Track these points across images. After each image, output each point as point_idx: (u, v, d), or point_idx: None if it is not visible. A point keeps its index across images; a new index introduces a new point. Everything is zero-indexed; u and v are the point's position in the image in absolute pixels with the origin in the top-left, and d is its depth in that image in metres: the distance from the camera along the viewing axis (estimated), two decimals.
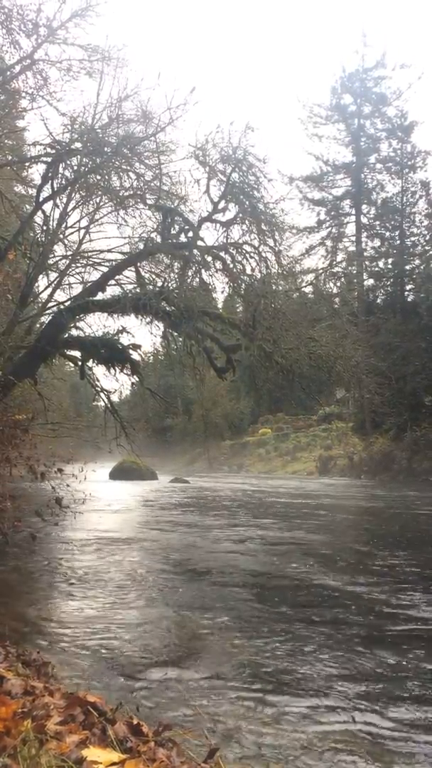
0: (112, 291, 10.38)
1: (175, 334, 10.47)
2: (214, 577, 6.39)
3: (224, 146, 9.29)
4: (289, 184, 37.08)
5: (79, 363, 10.06)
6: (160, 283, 9.95)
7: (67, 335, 9.85)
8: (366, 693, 3.32)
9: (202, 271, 9.64)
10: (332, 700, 3.20)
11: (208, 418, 52.40)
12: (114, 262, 10.98)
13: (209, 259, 9.67)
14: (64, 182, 9.33)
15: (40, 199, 9.43)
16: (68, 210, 11.20)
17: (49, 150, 9.19)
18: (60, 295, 11.98)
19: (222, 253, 9.63)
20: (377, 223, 36.22)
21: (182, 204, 9.91)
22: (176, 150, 9.77)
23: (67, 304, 10.47)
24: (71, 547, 8.08)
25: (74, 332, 10.13)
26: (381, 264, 35.64)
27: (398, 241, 34.39)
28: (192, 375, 11.42)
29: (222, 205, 9.61)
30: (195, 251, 9.58)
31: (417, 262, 34.06)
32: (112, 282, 10.37)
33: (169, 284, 9.64)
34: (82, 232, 12.20)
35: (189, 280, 9.48)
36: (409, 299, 33.55)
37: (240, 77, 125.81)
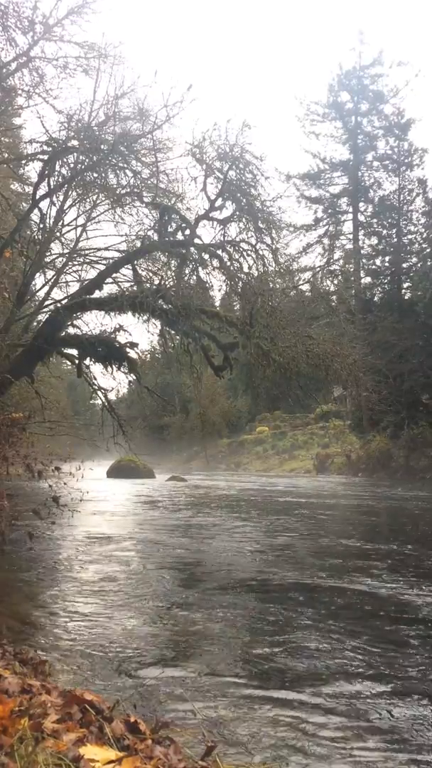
0: (109, 289, 10.39)
1: (173, 332, 10.47)
2: (213, 576, 6.40)
3: (221, 144, 9.28)
4: (286, 182, 37.07)
5: (77, 361, 10.05)
6: (157, 281, 9.95)
7: (64, 333, 9.83)
8: (366, 691, 3.32)
9: (199, 268, 9.64)
10: (331, 699, 3.20)
11: (206, 417, 52.23)
12: (111, 260, 10.99)
13: (206, 256, 9.67)
14: (60, 180, 9.32)
15: (37, 196, 9.41)
16: (65, 208, 11.21)
17: (45, 147, 9.18)
18: (57, 293, 12.02)
19: (219, 251, 9.62)
20: (374, 220, 36.17)
21: (179, 202, 9.92)
22: (173, 148, 9.78)
23: (64, 302, 10.47)
24: (68, 546, 8.08)
25: (71, 330, 10.12)
26: (378, 262, 35.59)
27: (395, 239, 34.35)
28: (189, 373, 11.41)
29: (219, 202, 9.60)
30: (192, 249, 9.57)
31: (414, 259, 34.03)
32: (109, 280, 10.37)
33: (166, 282, 9.63)
34: (79, 230, 12.23)
35: (186, 278, 9.49)
36: (406, 297, 33.52)
37: (237, 75, 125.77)
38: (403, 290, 34.17)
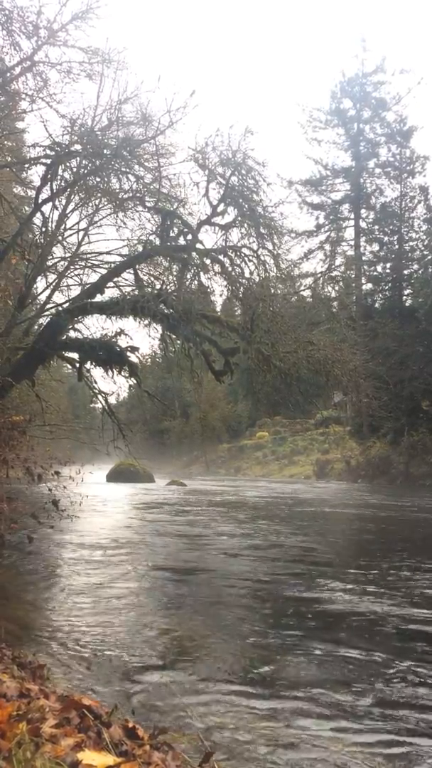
0: (110, 293, 10.40)
1: (174, 336, 10.47)
2: (212, 582, 6.38)
3: (224, 149, 9.31)
4: (288, 188, 37.06)
5: (77, 365, 10.05)
6: (158, 286, 9.96)
7: (65, 337, 9.84)
8: (366, 701, 3.30)
9: (201, 273, 9.65)
10: (330, 705, 3.19)
11: (206, 421, 52.37)
12: (113, 264, 10.99)
13: (208, 262, 9.69)
14: (63, 184, 9.33)
15: (39, 200, 9.43)
16: (67, 212, 11.24)
17: (48, 152, 9.19)
18: (58, 297, 12.02)
19: (221, 256, 9.64)
20: (376, 227, 36.23)
21: (181, 207, 9.93)
22: (176, 153, 9.80)
23: (65, 305, 10.48)
24: (67, 550, 8.06)
25: (72, 334, 10.13)
26: (379, 268, 35.65)
27: (397, 246, 34.42)
28: (190, 378, 11.41)
29: (221, 208, 9.63)
30: (194, 254, 9.59)
31: (415, 266, 34.09)
32: (111, 284, 10.38)
33: (168, 287, 9.65)
34: (81, 234, 12.25)
35: (187, 283, 9.50)
36: (407, 304, 33.56)
37: (240, 81, 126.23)
38: (404, 297, 34.23)
